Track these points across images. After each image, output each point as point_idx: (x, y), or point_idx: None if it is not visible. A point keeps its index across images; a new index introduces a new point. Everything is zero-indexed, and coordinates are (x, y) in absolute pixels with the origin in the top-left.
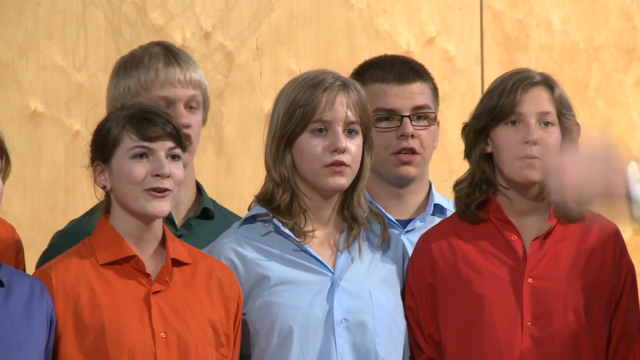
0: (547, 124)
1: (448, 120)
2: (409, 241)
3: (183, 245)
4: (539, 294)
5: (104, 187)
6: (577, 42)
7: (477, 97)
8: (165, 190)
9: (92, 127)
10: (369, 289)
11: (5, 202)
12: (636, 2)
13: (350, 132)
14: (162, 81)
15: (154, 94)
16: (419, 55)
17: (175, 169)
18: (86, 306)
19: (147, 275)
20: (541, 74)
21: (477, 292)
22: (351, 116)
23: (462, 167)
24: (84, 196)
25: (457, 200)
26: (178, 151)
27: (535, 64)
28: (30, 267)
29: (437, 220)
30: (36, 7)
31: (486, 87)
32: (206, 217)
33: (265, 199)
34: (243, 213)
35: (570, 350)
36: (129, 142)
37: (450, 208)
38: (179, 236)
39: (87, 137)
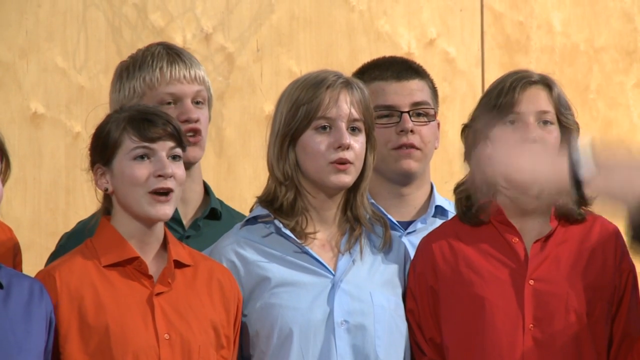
0: (546, 122)
1: (449, 121)
2: (410, 243)
3: (184, 248)
4: (540, 296)
5: (105, 190)
6: (577, 44)
7: (478, 98)
8: (169, 190)
9: (92, 129)
10: (370, 291)
11: (6, 203)
12: (637, 4)
13: (353, 129)
14: (167, 78)
15: (160, 92)
16: (419, 57)
17: (177, 168)
18: (90, 307)
19: (150, 277)
20: (539, 74)
21: (478, 295)
22: (355, 114)
23: (463, 169)
24: (85, 198)
25: (458, 203)
26: (179, 151)
27: (535, 65)
28: (31, 269)
29: (438, 222)
30: (37, 9)
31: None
32: (214, 217)
33: (267, 200)
34: (244, 214)
35: (571, 352)
36: (130, 144)
37: (451, 210)
38: (187, 237)
39: (87, 139)
